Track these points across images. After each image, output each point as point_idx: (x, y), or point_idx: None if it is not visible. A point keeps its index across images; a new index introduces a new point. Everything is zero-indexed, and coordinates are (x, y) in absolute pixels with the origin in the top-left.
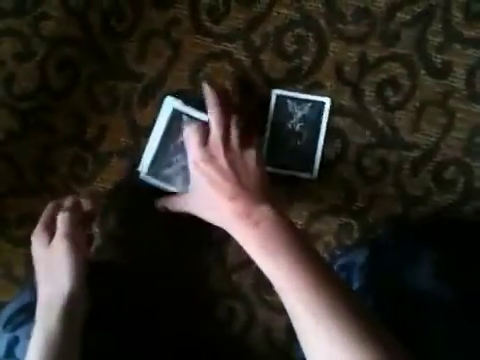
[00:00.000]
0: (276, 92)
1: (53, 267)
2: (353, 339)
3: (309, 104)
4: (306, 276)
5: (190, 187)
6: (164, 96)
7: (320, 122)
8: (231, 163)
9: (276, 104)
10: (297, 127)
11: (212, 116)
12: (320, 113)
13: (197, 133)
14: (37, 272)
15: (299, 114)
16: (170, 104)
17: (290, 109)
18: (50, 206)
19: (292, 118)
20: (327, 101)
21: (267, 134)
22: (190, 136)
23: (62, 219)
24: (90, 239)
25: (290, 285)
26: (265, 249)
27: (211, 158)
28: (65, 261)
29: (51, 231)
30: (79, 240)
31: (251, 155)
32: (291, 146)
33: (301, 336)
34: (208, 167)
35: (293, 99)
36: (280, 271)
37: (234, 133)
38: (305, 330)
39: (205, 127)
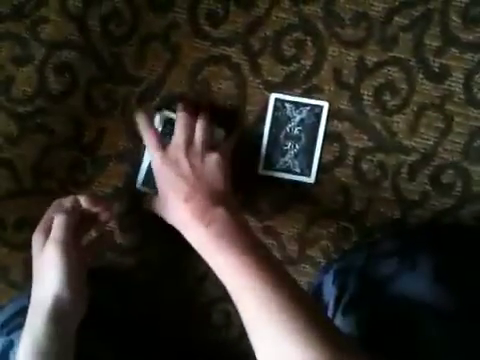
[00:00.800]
0: (274, 96)
1: (43, 270)
2: (304, 337)
3: (307, 108)
4: (258, 275)
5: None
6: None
7: (318, 126)
8: (192, 166)
9: (274, 108)
10: (295, 131)
11: (178, 119)
12: (318, 117)
13: (155, 136)
14: (33, 274)
15: (297, 118)
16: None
17: (288, 113)
18: (52, 206)
19: (290, 122)
20: (325, 105)
21: (265, 138)
22: (149, 139)
23: (57, 222)
24: (100, 242)
25: (240, 283)
26: (216, 248)
27: (172, 160)
28: (54, 265)
29: (48, 233)
30: (76, 244)
31: (213, 158)
32: (289, 150)
33: (251, 334)
34: (168, 169)
35: (291, 103)
36: (230, 269)
37: (198, 136)
38: (256, 328)
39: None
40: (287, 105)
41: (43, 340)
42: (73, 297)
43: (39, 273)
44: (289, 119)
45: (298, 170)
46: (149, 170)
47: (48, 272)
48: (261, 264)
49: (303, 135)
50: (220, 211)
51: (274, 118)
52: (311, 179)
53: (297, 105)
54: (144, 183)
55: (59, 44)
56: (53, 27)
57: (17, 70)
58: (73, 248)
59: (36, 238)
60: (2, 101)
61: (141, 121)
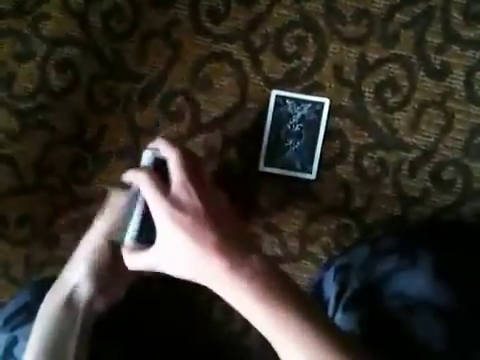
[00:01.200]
0: (275, 92)
1: (74, 258)
2: None
3: (308, 105)
4: (304, 324)
5: (158, 243)
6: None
7: (319, 123)
8: (207, 207)
9: (275, 104)
10: (296, 128)
11: (173, 158)
12: (319, 114)
13: (155, 180)
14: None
15: (298, 115)
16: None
17: (289, 110)
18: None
19: (291, 119)
20: (326, 102)
21: (266, 134)
22: (148, 184)
23: (95, 224)
24: None
25: (290, 336)
26: (264, 303)
27: (183, 204)
28: (82, 261)
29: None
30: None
31: (222, 196)
32: (290, 146)
33: None
34: (183, 217)
35: (292, 100)
36: (280, 322)
37: (202, 175)
38: None
39: (157, 172)
40: (288, 102)
41: (53, 319)
42: (94, 294)
43: (73, 257)
44: (290, 116)
45: (299, 167)
46: (143, 223)
47: (76, 262)
48: (307, 311)
49: (304, 132)
50: (258, 260)
51: (275, 115)
52: (312, 176)
53: (298, 102)
54: (139, 238)
55: (60, 41)
56: (54, 24)
57: (19, 67)
58: (106, 252)
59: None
60: (4, 98)
61: (129, 171)
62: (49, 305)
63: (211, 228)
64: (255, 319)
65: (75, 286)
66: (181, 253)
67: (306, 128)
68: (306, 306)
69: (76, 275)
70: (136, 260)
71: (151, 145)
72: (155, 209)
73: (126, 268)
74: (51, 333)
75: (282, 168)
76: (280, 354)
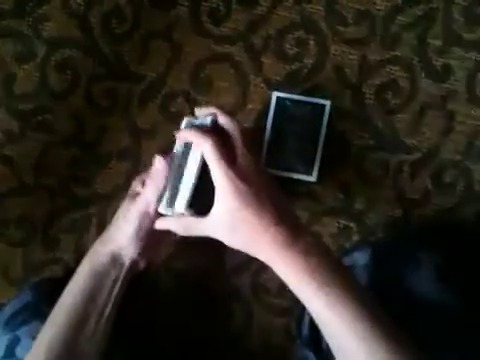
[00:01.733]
0: (276, 94)
1: (120, 221)
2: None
3: (309, 107)
4: (351, 305)
5: (217, 211)
6: None
7: (320, 125)
8: (268, 184)
9: (276, 106)
10: (297, 129)
11: (239, 137)
12: (320, 116)
13: (220, 147)
14: (114, 217)
15: (299, 116)
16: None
17: (290, 111)
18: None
19: (292, 120)
20: (327, 104)
21: (267, 136)
22: (214, 151)
23: (144, 188)
24: None
25: (336, 313)
26: (313, 279)
27: (247, 179)
28: (129, 224)
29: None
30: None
31: (270, 177)
32: (291, 148)
33: (339, 353)
34: (247, 189)
35: (293, 101)
36: (326, 298)
37: (256, 157)
38: (347, 349)
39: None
40: (289, 104)
41: (100, 275)
42: (136, 256)
43: (118, 220)
44: (291, 118)
45: (300, 169)
46: (196, 191)
47: (123, 226)
48: (354, 292)
49: (305, 134)
50: (311, 239)
51: (276, 117)
52: (313, 177)
53: (299, 104)
54: (192, 205)
55: (61, 42)
56: (55, 25)
57: (19, 67)
58: (151, 217)
59: (132, 189)
60: (3, 98)
61: (189, 132)
62: (91, 262)
63: (271, 203)
64: (302, 294)
65: (121, 247)
66: (239, 224)
67: (307, 130)
68: (352, 286)
69: (122, 237)
70: (190, 227)
71: (200, 112)
72: (219, 177)
73: (168, 233)
74: (89, 288)
75: (283, 170)
76: (323, 331)
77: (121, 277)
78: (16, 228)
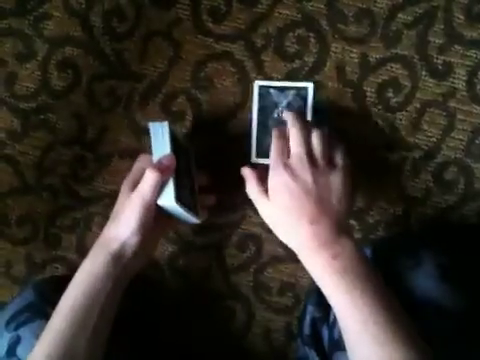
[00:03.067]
0: (259, 83)
1: (122, 213)
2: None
3: (293, 91)
4: (376, 312)
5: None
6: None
7: (305, 108)
8: (316, 183)
9: (259, 95)
10: (283, 115)
11: (293, 131)
12: (305, 99)
13: (283, 139)
14: (111, 215)
15: (284, 102)
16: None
17: (274, 98)
18: (143, 157)
19: (277, 107)
20: (310, 86)
21: (254, 126)
22: (279, 141)
23: (146, 177)
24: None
25: (358, 320)
26: (342, 283)
27: (295, 173)
28: (132, 215)
29: (136, 184)
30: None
31: (338, 177)
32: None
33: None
34: (292, 182)
35: (276, 88)
36: (351, 304)
37: (318, 151)
38: (364, 355)
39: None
40: (272, 91)
41: (100, 276)
42: (138, 249)
43: (118, 215)
44: (276, 105)
45: None
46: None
47: (125, 218)
48: (383, 302)
49: None
50: (347, 243)
51: (261, 105)
52: None
53: (282, 90)
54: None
55: (62, 40)
56: (56, 23)
57: (20, 66)
58: (153, 207)
59: (125, 187)
60: (5, 97)
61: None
62: (91, 262)
63: (313, 202)
64: (329, 295)
65: (125, 241)
66: (280, 214)
67: None
68: (382, 295)
69: (126, 230)
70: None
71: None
72: (271, 168)
73: (162, 226)
74: (89, 290)
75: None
76: (345, 335)
77: (121, 277)
78: (18, 227)
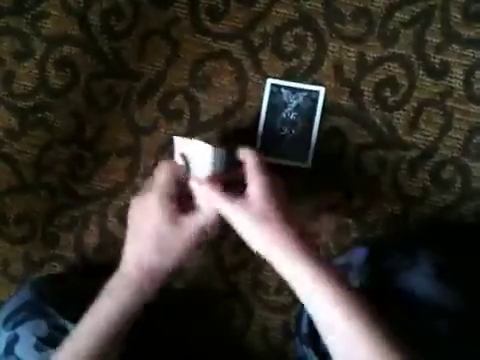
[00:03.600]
0: (270, 81)
1: (164, 244)
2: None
3: (304, 93)
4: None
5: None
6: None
7: (315, 111)
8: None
9: (271, 93)
10: (291, 116)
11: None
12: (315, 102)
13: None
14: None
15: (294, 103)
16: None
17: (285, 98)
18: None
19: (286, 107)
20: (321, 90)
21: (261, 123)
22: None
23: (158, 178)
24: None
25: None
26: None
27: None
28: (179, 252)
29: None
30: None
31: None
32: (285, 135)
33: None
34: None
35: (288, 88)
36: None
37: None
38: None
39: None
40: (283, 91)
41: (127, 306)
42: (155, 258)
43: (159, 242)
44: (285, 105)
45: (295, 155)
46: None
47: (145, 239)
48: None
49: (299, 120)
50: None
51: (270, 104)
52: (308, 164)
53: (293, 90)
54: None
55: (60, 39)
56: (54, 22)
57: (18, 65)
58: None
59: (152, 196)
60: (3, 96)
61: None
62: (116, 281)
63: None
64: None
65: (142, 267)
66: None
67: (301, 116)
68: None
69: (145, 256)
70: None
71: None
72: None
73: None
74: (113, 312)
75: (277, 156)
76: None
77: (150, 290)
78: (16, 225)
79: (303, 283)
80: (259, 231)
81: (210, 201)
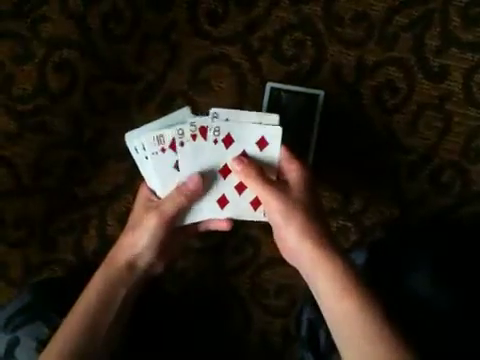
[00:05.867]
0: (270, 85)
1: (138, 227)
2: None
3: (303, 97)
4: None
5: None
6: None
7: (314, 115)
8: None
9: (270, 96)
10: (291, 119)
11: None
12: (314, 106)
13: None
14: (129, 220)
15: (293, 107)
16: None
17: (284, 101)
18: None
19: (286, 110)
20: (321, 94)
21: None
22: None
23: (172, 197)
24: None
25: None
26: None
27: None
28: (148, 232)
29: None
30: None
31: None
32: (285, 138)
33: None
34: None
35: (287, 92)
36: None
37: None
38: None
39: None
40: (283, 94)
41: (115, 282)
42: (153, 260)
43: (135, 225)
44: (285, 108)
45: None
46: None
47: (140, 232)
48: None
49: (299, 123)
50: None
51: (270, 107)
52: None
53: (293, 94)
54: None
55: (59, 43)
56: (53, 26)
57: (17, 68)
58: (173, 226)
59: (144, 191)
60: (2, 99)
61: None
62: (106, 268)
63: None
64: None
65: (137, 255)
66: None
67: (301, 120)
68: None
69: (139, 246)
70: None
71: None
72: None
73: (186, 235)
74: (103, 296)
75: None
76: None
77: (136, 284)
78: (15, 229)
79: (334, 280)
80: (293, 216)
81: (249, 177)
